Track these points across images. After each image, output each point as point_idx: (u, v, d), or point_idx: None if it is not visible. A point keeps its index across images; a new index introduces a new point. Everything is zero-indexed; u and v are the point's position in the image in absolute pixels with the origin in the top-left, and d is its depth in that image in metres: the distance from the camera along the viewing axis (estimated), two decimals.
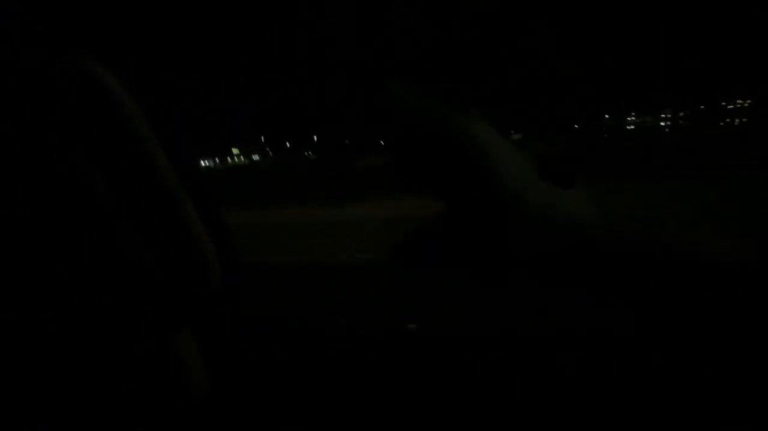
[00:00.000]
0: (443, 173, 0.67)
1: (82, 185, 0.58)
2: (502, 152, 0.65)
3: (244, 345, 1.14)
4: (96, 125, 0.59)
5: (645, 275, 0.76)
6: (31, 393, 0.58)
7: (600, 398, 1.00)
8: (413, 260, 0.85)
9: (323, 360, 1.14)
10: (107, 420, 0.61)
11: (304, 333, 1.18)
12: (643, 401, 0.95)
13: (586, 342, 1.03)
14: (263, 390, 1.11)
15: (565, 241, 0.67)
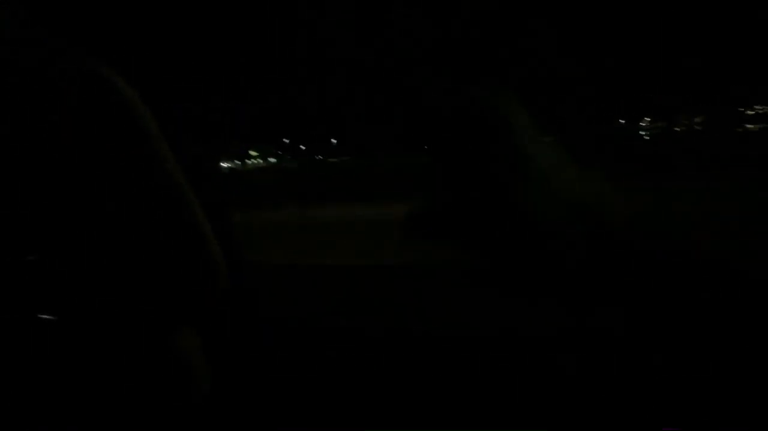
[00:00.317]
0: (468, 149, 0.66)
1: (83, 184, 0.59)
2: (533, 132, 0.64)
3: (246, 345, 1.14)
4: (100, 124, 0.59)
5: (650, 269, 0.74)
6: (37, 390, 0.59)
7: (600, 398, 0.98)
8: (421, 231, 0.84)
9: (324, 359, 1.14)
10: (112, 416, 0.61)
11: (305, 333, 1.18)
12: (642, 400, 0.94)
13: (586, 342, 1.02)
14: (265, 389, 1.10)
15: (583, 227, 0.67)
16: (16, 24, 0.61)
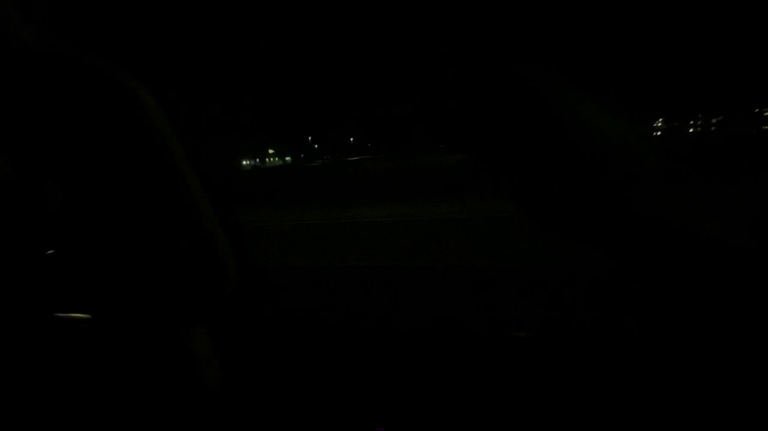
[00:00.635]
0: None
1: (96, 185, 0.59)
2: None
3: (250, 344, 1.14)
4: (111, 126, 0.59)
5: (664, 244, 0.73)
6: (52, 385, 0.60)
7: (600, 397, 0.97)
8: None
9: (330, 358, 1.13)
10: (123, 411, 0.62)
11: (312, 333, 1.18)
12: (642, 400, 0.92)
13: (586, 342, 1.00)
14: (273, 386, 1.10)
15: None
16: (28, 27, 0.61)
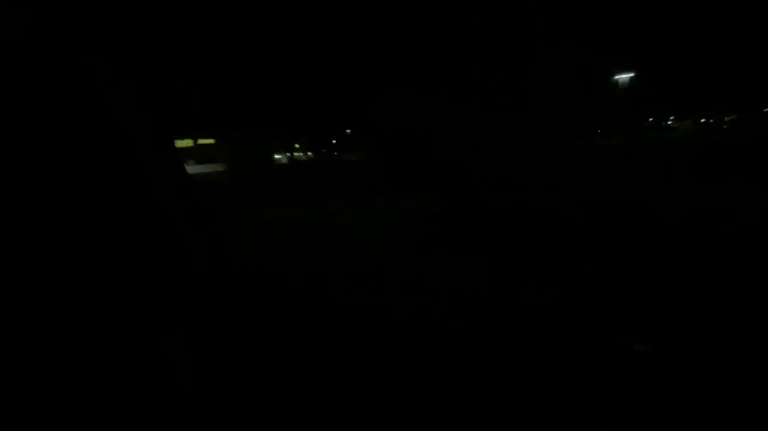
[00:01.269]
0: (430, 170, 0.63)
1: (63, 184, 0.56)
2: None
3: (235, 345, 1.11)
4: (84, 123, 0.56)
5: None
6: (26, 388, 0.57)
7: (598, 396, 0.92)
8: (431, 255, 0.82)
9: (318, 359, 1.09)
10: (99, 416, 0.59)
11: (300, 333, 1.14)
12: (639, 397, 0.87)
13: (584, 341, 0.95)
14: (250, 390, 1.07)
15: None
16: (21, 23, 0.58)
